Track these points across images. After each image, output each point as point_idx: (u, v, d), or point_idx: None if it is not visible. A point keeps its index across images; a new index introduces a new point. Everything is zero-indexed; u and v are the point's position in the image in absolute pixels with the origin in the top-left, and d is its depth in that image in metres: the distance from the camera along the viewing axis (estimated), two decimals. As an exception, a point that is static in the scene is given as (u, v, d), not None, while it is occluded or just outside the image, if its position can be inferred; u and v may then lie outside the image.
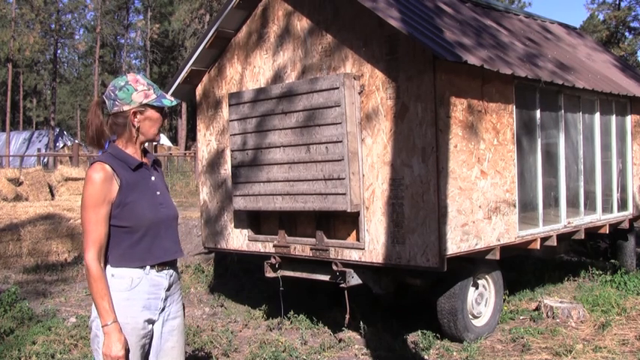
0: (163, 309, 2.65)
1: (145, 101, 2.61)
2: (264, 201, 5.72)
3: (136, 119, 2.61)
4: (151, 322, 2.62)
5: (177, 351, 2.72)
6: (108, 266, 2.56)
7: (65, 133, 47.90)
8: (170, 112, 63.51)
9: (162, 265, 2.64)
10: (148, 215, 2.60)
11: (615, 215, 7.51)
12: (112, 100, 2.60)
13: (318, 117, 5.25)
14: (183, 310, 2.79)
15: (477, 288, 5.61)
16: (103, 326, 2.47)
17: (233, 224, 6.33)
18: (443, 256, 4.84)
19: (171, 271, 2.70)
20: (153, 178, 2.70)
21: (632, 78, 8.51)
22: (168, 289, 2.67)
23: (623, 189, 7.75)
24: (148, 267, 2.60)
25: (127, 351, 2.50)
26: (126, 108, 2.59)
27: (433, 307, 5.44)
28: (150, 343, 2.64)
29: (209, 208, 6.60)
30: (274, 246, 5.93)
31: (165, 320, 2.67)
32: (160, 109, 2.67)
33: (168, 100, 2.68)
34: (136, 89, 2.60)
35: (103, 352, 2.45)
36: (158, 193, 2.69)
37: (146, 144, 2.76)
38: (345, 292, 5.43)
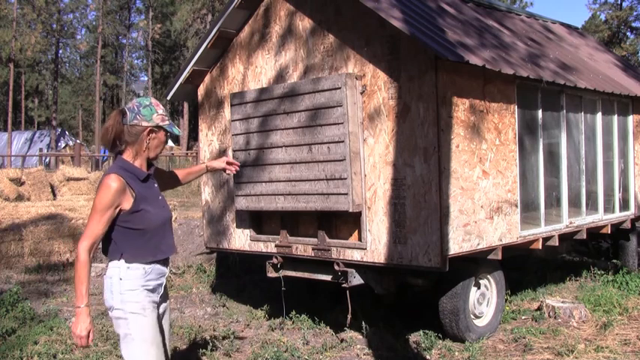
0: (160, 294, 3.14)
1: (160, 123, 3.07)
2: (266, 201, 5.72)
3: (148, 136, 3.06)
4: (157, 303, 3.10)
5: (168, 324, 3.31)
6: (122, 261, 2.98)
7: (67, 133, 47.91)
8: (172, 112, 63.55)
9: (164, 261, 3.13)
10: (156, 219, 3.06)
11: (617, 215, 7.51)
12: (134, 113, 3.03)
13: (320, 117, 5.25)
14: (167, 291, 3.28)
15: (478, 288, 5.61)
16: (76, 307, 2.88)
17: (235, 224, 6.33)
18: (445, 256, 4.84)
19: (168, 265, 3.20)
20: (155, 186, 3.17)
21: (634, 78, 8.50)
22: (165, 277, 3.17)
23: (625, 189, 7.74)
24: (155, 262, 3.06)
25: (89, 333, 2.90)
26: (144, 124, 3.03)
27: (435, 307, 5.44)
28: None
29: (211, 208, 6.60)
30: (276, 246, 5.93)
31: (162, 302, 3.19)
32: (166, 135, 3.13)
33: (177, 130, 3.16)
34: (157, 111, 3.07)
35: (74, 333, 2.88)
36: (160, 198, 3.17)
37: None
38: (347, 292, 5.43)
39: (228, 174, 3.81)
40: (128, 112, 3.03)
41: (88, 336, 2.88)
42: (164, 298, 3.20)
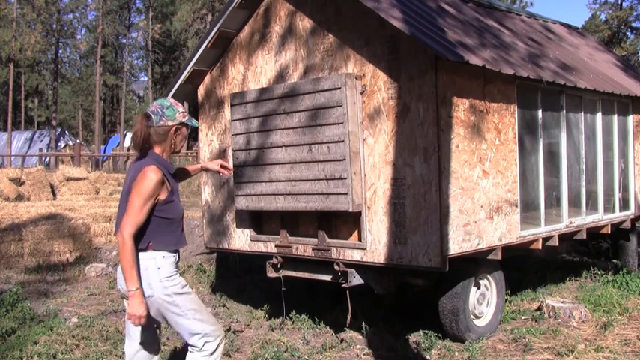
0: None
1: (183, 120, 3.37)
2: (266, 201, 5.72)
3: (174, 134, 3.36)
4: None
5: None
6: (151, 251, 3.23)
7: (67, 133, 47.93)
8: (171, 112, 63.46)
9: (177, 251, 3.42)
10: (180, 210, 3.39)
11: (617, 215, 7.51)
12: (159, 115, 3.31)
13: (320, 117, 5.26)
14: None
15: (478, 288, 5.61)
16: (130, 290, 3.10)
17: (235, 224, 6.33)
18: (445, 256, 4.84)
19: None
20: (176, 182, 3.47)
21: (634, 78, 8.50)
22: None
23: (624, 189, 7.75)
24: (175, 252, 3.36)
25: (147, 314, 3.18)
26: (170, 123, 3.32)
27: (435, 307, 5.44)
28: None
29: (211, 208, 6.60)
30: (276, 246, 5.93)
31: None
32: (187, 129, 3.43)
33: (196, 122, 3.49)
34: (178, 110, 3.35)
35: (131, 313, 3.11)
36: (179, 192, 3.49)
37: None
38: (347, 292, 5.43)
39: (222, 176, 4.06)
40: (153, 115, 3.30)
41: (144, 314, 3.14)
42: None
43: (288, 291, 6.00)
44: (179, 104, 3.39)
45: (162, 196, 3.24)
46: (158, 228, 3.24)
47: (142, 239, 3.20)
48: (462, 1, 7.06)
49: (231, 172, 4.13)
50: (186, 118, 3.38)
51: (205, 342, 3.31)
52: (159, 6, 49.92)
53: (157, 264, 3.24)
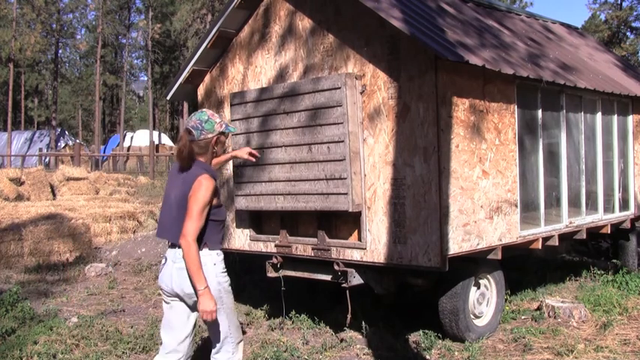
0: None
1: (221, 130, 3.61)
2: (265, 201, 5.72)
3: (215, 144, 3.61)
4: None
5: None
6: (206, 249, 3.53)
7: (66, 132, 47.96)
8: (172, 112, 63.55)
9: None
10: (225, 212, 3.76)
11: (617, 215, 7.51)
12: (199, 130, 3.55)
13: (319, 117, 5.26)
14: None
15: (478, 288, 5.61)
16: (199, 289, 3.39)
17: (235, 224, 6.33)
18: (444, 255, 4.84)
19: None
20: None
21: (634, 78, 8.50)
22: None
23: (624, 189, 7.75)
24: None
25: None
26: (210, 136, 3.57)
27: (435, 306, 5.44)
28: None
29: (211, 207, 6.59)
30: (276, 246, 5.93)
31: None
32: (226, 135, 3.69)
33: (233, 127, 3.75)
34: (216, 121, 3.59)
35: (203, 310, 3.41)
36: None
37: None
38: (347, 292, 5.43)
39: (252, 162, 4.44)
40: (194, 130, 3.55)
41: (215, 310, 3.44)
42: None
43: (288, 291, 6.00)
44: (215, 115, 3.64)
45: (215, 202, 3.54)
46: (212, 230, 3.55)
47: (199, 241, 3.49)
48: (461, 1, 7.06)
49: (259, 157, 4.48)
50: (224, 126, 3.63)
51: (227, 342, 3.62)
52: (159, 6, 49.91)
53: (213, 260, 3.55)
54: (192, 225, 3.41)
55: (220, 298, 3.56)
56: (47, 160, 35.73)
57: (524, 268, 7.97)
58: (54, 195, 15.14)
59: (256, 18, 6.18)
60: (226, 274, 3.62)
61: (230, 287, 3.65)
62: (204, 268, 3.49)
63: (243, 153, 4.26)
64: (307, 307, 6.27)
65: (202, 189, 3.44)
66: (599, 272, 7.55)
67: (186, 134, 3.56)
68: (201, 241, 3.51)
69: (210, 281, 3.49)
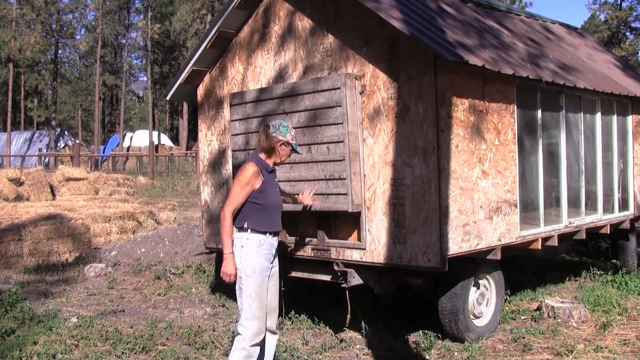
0: (272, 261, 4.26)
1: (289, 140, 4.29)
2: (265, 201, 5.71)
3: (280, 147, 4.27)
4: (268, 268, 4.21)
5: (275, 288, 4.37)
6: (245, 232, 4.13)
7: (66, 133, 47.94)
8: (171, 112, 63.55)
9: (275, 234, 4.26)
10: (272, 199, 4.24)
11: (616, 215, 7.51)
12: (275, 128, 4.27)
13: (319, 117, 5.26)
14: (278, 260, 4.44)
15: (478, 288, 5.61)
16: (225, 253, 4.07)
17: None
18: (444, 256, 4.84)
19: (278, 238, 4.32)
20: (276, 180, 4.43)
21: (634, 78, 8.50)
22: (275, 249, 4.29)
23: (624, 189, 7.75)
24: (268, 233, 4.19)
25: (236, 274, 4.12)
26: (280, 137, 4.25)
27: (434, 307, 5.44)
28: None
29: (210, 208, 6.60)
30: (275, 246, 5.92)
31: (272, 268, 4.29)
32: (291, 150, 4.34)
33: (299, 149, 4.48)
34: (290, 132, 4.30)
35: (224, 271, 4.08)
36: (277, 189, 4.39)
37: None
38: (347, 292, 5.43)
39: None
40: (271, 127, 4.28)
41: (234, 274, 4.09)
42: (275, 265, 4.33)
43: (288, 291, 5.99)
44: (292, 129, 4.34)
45: (257, 186, 4.13)
46: (251, 211, 4.14)
47: (240, 219, 4.15)
48: (461, 2, 7.06)
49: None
50: (294, 141, 4.30)
51: (242, 317, 4.15)
52: (158, 6, 49.94)
53: (242, 243, 4.12)
54: (229, 200, 4.11)
55: (240, 278, 4.10)
56: (47, 160, 35.73)
57: (523, 268, 7.96)
58: (53, 195, 15.14)
59: (256, 18, 6.18)
60: (255, 258, 4.09)
61: (256, 272, 4.09)
62: (235, 247, 4.10)
63: (309, 200, 5.00)
64: (307, 308, 6.27)
65: (243, 172, 4.12)
66: (598, 272, 7.55)
67: (266, 128, 4.28)
68: (243, 219, 4.14)
69: (238, 261, 4.08)
